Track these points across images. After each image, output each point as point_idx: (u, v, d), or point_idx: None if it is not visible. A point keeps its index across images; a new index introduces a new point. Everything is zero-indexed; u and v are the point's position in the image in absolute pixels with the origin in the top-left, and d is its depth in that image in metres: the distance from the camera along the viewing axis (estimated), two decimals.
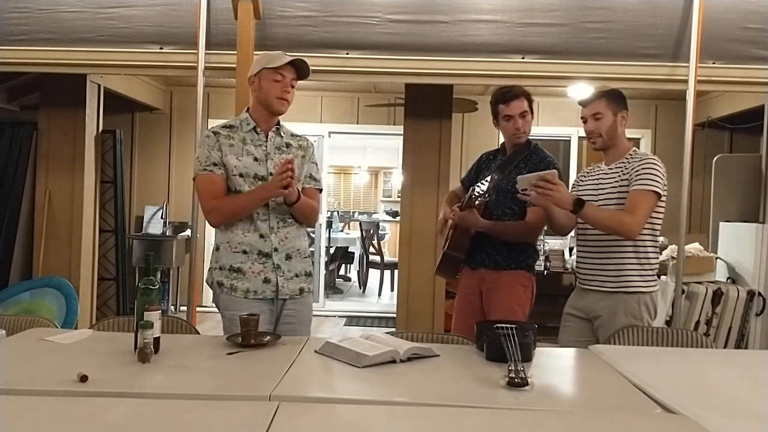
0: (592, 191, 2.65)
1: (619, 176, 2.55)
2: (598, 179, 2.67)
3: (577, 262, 2.74)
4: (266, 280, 2.42)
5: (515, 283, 2.80)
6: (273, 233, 2.42)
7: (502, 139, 2.99)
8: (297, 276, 2.48)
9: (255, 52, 3.81)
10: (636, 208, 2.44)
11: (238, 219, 2.41)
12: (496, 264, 2.81)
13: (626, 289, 2.53)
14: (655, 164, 2.49)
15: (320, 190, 2.60)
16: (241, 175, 2.39)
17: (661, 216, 2.56)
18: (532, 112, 2.84)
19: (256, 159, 2.42)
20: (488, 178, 2.64)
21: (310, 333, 2.57)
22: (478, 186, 2.66)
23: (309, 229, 7.67)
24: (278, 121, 2.52)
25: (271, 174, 2.41)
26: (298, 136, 2.59)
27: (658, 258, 2.62)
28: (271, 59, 2.44)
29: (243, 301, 2.39)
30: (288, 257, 2.46)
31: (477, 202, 2.67)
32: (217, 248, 2.48)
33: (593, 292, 2.61)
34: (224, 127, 2.48)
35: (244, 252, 2.41)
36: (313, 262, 7.06)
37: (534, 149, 2.87)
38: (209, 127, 2.54)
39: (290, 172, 2.27)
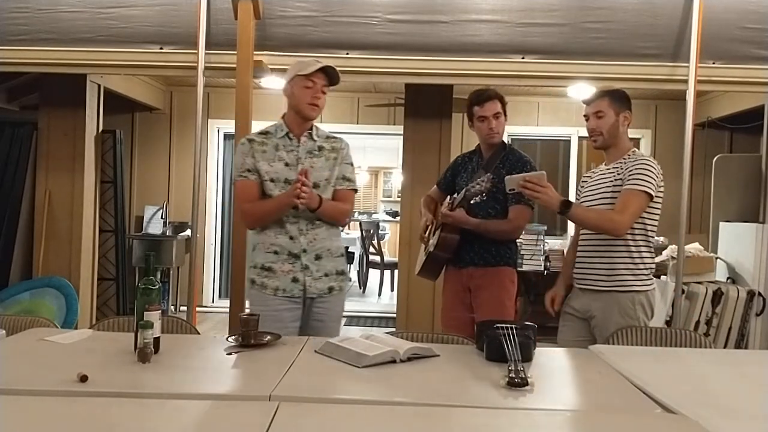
0: (591, 191, 2.67)
1: (615, 176, 2.57)
2: (596, 179, 2.69)
3: (575, 261, 2.75)
4: (294, 280, 2.53)
5: (504, 278, 2.90)
6: (302, 235, 2.53)
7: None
8: (326, 275, 2.57)
9: (255, 53, 3.81)
10: (625, 207, 2.46)
11: (269, 222, 2.53)
12: (486, 261, 2.89)
13: (619, 288, 2.54)
14: (649, 165, 2.50)
15: (354, 191, 2.68)
16: (272, 180, 2.52)
17: (655, 217, 2.57)
18: (505, 115, 2.94)
19: (287, 164, 2.54)
20: (484, 178, 2.66)
21: (340, 331, 2.64)
22: (477, 184, 2.68)
23: None
24: (312, 125, 2.61)
25: None
26: (333, 137, 2.68)
27: (653, 258, 2.63)
28: (302, 66, 2.52)
29: (271, 299, 2.51)
30: (318, 257, 2.55)
31: (473, 201, 2.75)
32: (253, 248, 2.61)
33: (588, 291, 2.62)
34: (260, 133, 2.61)
35: (275, 252, 2.53)
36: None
37: (510, 150, 2.97)
38: (248, 135, 2.67)
39: (302, 184, 2.36)
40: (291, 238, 2.52)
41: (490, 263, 2.88)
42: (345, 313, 6.67)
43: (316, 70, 2.49)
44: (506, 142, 3.03)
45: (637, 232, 2.54)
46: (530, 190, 2.42)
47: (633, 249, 2.54)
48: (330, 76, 2.54)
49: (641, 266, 2.56)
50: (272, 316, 2.40)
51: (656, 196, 2.51)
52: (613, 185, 2.55)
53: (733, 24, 3.77)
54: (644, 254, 2.57)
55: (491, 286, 2.87)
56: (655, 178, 2.49)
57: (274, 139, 2.57)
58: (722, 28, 3.76)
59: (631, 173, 2.50)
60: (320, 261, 2.55)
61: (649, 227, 2.56)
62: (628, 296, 2.53)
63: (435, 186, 3.21)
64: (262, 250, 2.55)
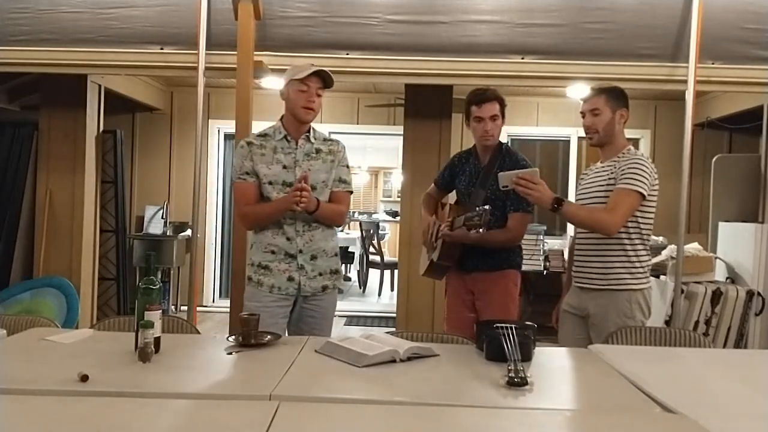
0: (586, 188, 2.69)
1: (609, 174, 2.58)
2: (592, 176, 2.71)
3: (573, 260, 2.76)
4: (290, 278, 2.59)
5: (508, 282, 2.90)
6: (299, 236, 2.58)
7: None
8: (321, 274, 2.63)
9: (255, 53, 3.82)
10: (616, 207, 2.47)
11: (267, 224, 2.59)
12: (489, 266, 2.88)
13: (616, 286, 2.55)
14: (642, 165, 2.50)
15: (350, 192, 2.73)
16: (270, 183, 2.58)
17: (649, 215, 2.57)
18: (503, 117, 2.90)
19: (285, 167, 2.59)
20: (482, 211, 2.58)
21: (332, 328, 2.69)
22: (477, 216, 2.59)
23: None
24: (309, 128, 2.66)
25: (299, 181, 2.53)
26: (330, 140, 2.72)
27: (649, 257, 2.64)
28: (297, 71, 2.57)
29: (265, 295, 2.57)
30: (313, 257, 2.61)
31: (472, 232, 2.64)
32: (251, 246, 2.68)
33: (585, 289, 2.64)
34: (259, 135, 2.66)
35: (272, 252, 2.60)
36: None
37: (506, 152, 2.93)
38: (246, 137, 2.71)
39: (303, 191, 2.42)
40: (288, 239, 2.58)
41: (494, 267, 2.89)
42: (345, 313, 6.74)
43: (311, 74, 2.54)
44: (502, 142, 2.99)
45: (632, 230, 2.54)
46: (523, 186, 2.42)
47: (629, 247, 2.55)
48: (324, 79, 2.59)
49: (637, 265, 2.56)
50: (265, 311, 2.45)
51: (650, 195, 2.51)
52: (607, 183, 2.56)
53: (733, 24, 3.77)
54: (640, 252, 2.57)
55: (495, 291, 2.87)
56: (648, 177, 2.49)
57: (273, 142, 2.62)
58: (721, 28, 3.76)
59: (623, 172, 2.50)
60: (315, 261, 2.61)
61: (643, 226, 2.56)
62: (624, 294, 2.54)
63: (433, 184, 3.20)
64: (260, 249, 2.61)
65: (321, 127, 7.37)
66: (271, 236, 2.59)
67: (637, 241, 2.56)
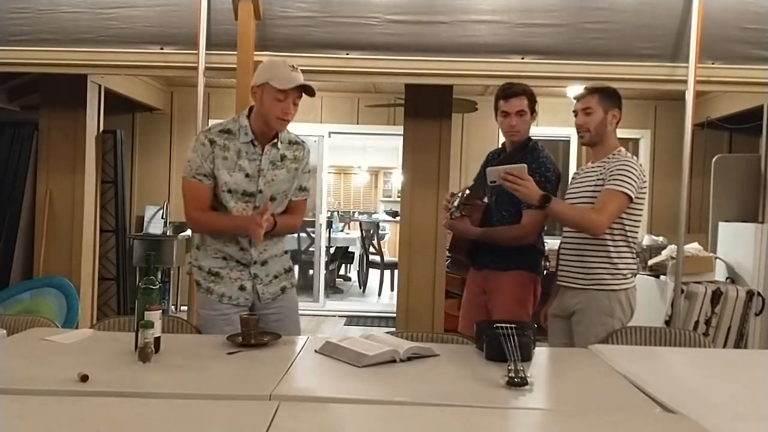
0: (576, 188, 2.70)
1: (597, 175, 2.59)
2: (582, 176, 2.72)
3: (559, 259, 2.76)
4: (242, 288, 2.45)
5: (516, 283, 2.82)
6: (253, 247, 2.44)
7: (503, 138, 3.01)
8: (276, 277, 2.52)
9: (255, 53, 3.81)
10: (604, 207, 2.47)
11: (215, 234, 2.45)
12: (497, 265, 2.83)
13: (597, 286, 2.55)
14: (630, 167, 2.50)
15: (306, 199, 2.61)
16: (229, 191, 2.39)
17: (635, 217, 2.58)
18: (532, 112, 2.84)
19: (247, 175, 2.39)
20: (461, 193, 2.63)
21: (300, 325, 2.60)
22: (457, 198, 2.66)
23: (309, 229, 7.61)
24: (276, 132, 2.45)
25: (260, 191, 2.41)
26: (295, 143, 2.51)
27: (634, 258, 2.64)
28: (276, 75, 2.32)
29: (217, 305, 2.43)
30: (264, 263, 2.48)
31: (453, 216, 2.69)
32: (197, 247, 2.52)
33: (569, 289, 2.65)
34: (222, 131, 2.41)
35: (224, 258, 2.45)
36: (313, 262, 7.11)
37: (531, 149, 2.87)
38: (207, 128, 2.48)
39: (261, 227, 2.26)
40: (242, 249, 2.44)
41: (502, 267, 2.82)
42: (345, 313, 6.74)
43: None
44: (531, 138, 2.91)
45: (616, 231, 2.55)
46: (510, 182, 2.42)
47: (611, 248, 2.55)
48: (304, 89, 2.35)
49: (620, 266, 2.56)
50: (222, 319, 2.37)
51: (637, 198, 2.51)
52: (595, 184, 2.57)
53: (733, 24, 3.77)
54: (623, 254, 2.57)
55: (501, 291, 2.81)
56: (636, 179, 2.49)
57: (237, 143, 2.39)
58: (721, 28, 3.76)
59: (612, 173, 2.50)
60: (267, 266, 2.49)
61: (628, 228, 2.57)
62: (605, 294, 2.54)
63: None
64: (210, 254, 2.45)
65: (321, 127, 7.36)
66: (223, 243, 2.43)
67: (620, 243, 2.56)
